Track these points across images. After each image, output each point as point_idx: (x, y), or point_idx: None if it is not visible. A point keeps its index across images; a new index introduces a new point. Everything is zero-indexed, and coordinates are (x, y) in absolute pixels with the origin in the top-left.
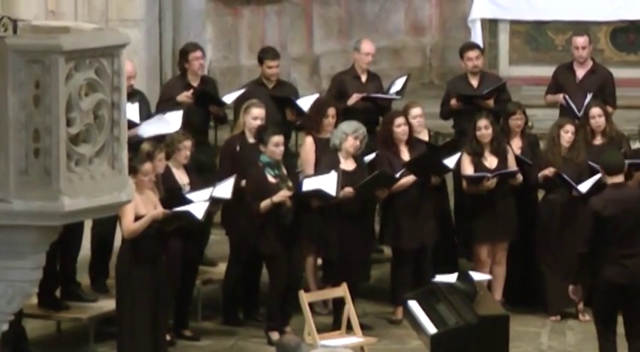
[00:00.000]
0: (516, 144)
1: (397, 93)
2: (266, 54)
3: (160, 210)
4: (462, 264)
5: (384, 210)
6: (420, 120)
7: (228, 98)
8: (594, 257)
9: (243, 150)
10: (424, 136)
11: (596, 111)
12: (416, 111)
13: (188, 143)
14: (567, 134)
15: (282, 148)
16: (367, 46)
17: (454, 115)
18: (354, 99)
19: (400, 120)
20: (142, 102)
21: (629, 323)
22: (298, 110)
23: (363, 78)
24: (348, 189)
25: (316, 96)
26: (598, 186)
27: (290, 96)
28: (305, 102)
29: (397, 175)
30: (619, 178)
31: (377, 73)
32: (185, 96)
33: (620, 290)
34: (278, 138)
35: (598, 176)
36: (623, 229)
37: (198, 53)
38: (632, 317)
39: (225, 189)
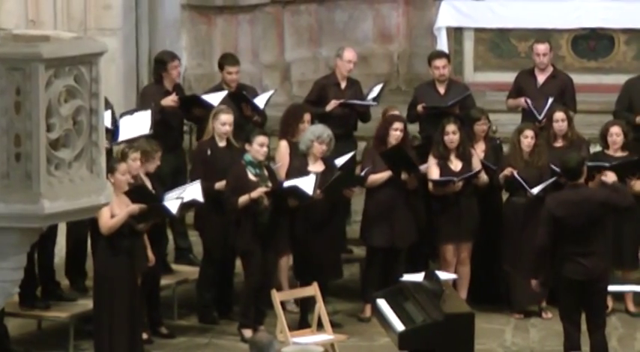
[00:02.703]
0: (480, 148)
1: (374, 99)
2: (225, 60)
3: (136, 206)
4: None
5: (364, 209)
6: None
7: (214, 100)
8: (554, 254)
9: (214, 155)
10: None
11: (559, 115)
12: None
13: (159, 154)
14: (527, 139)
15: (265, 149)
16: (349, 54)
17: (421, 121)
18: (332, 105)
19: (399, 124)
20: (107, 107)
21: (590, 319)
22: (253, 107)
23: (343, 84)
24: (316, 192)
25: (270, 92)
26: (555, 187)
27: (244, 93)
28: (260, 100)
29: (362, 173)
30: (577, 180)
31: (357, 80)
32: (171, 100)
33: (579, 286)
34: (263, 139)
35: (553, 179)
36: (576, 229)
37: (176, 62)
38: (591, 312)
39: (194, 193)
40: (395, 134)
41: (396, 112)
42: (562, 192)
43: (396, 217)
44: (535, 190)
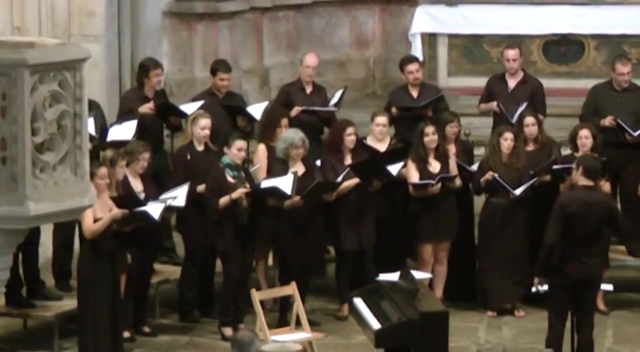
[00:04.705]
0: (451, 151)
1: (335, 105)
2: (220, 66)
3: (119, 211)
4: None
5: (327, 213)
6: (382, 129)
7: (188, 109)
8: (555, 252)
9: (193, 159)
10: (385, 143)
11: (530, 119)
12: (380, 119)
13: (147, 154)
14: (506, 141)
15: (243, 153)
16: (309, 60)
17: (396, 124)
18: (294, 111)
19: (351, 129)
20: (98, 113)
21: (581, 315)
22: (250, 117)
23: (308, 90)
24: (296, 198)
25: (266, 103)
26: (533, 189)
27: (239, 105)
28: (255, 110)
29: (339, 179)
30: (590, 182)
31: (322, 85)
32: (148, 107)
33: (576, 284)
34: (242, 143)
35: (534, 180)
36: (586, 229)
37: (159, 70)
38: (583, 309)
39: (179, 199)
40: (349, 139)
41: (384, 117)
42: (576, 191)
43: (362, 220)
44: (517, 191)
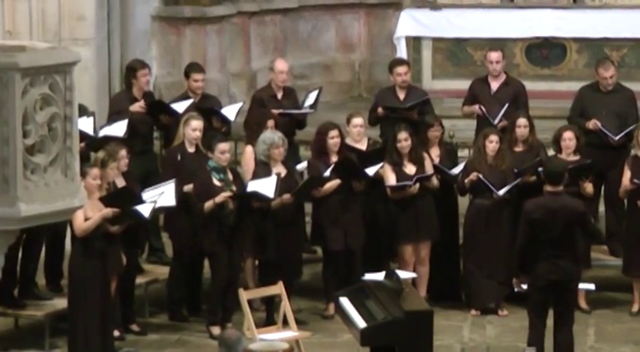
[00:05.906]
0: (434, 153)
1: (311, 106)
2: (192, 68)
3: (109, 209)
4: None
5: (313, 213)
6: (359, 130)
7: (179, 108)
8: (529, 255)
9: (184, 160)
10: (363, 144)
11: (522, 121)
12: (357, 120)
13: (123, 152)
14: (492, 143)
15: (227, 155)
16: (280, 65)
17: (382, 124)
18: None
19: (334, 132)
20: (88, 115)
21: (559, 315)
22: (223, 119)
23: (279, 95)
24: (286, 196)
25: (240, 104)
26: (518, 189)
27: (214, 106)
28: (229, 111)
29: (327, 173)
30: (556, 187)
31: (293, 88)
32: (139, 106)
33: (552, 285)
34: (224, 146)
35: (517, 180)
36: (552, 234)
37: (146, 70)
38: (561, 310)
39: (168, 197)
40: (333, 142)
41: (360, 118)
42: (541, 198)
43: (346, 220)
44: (501, 192)
